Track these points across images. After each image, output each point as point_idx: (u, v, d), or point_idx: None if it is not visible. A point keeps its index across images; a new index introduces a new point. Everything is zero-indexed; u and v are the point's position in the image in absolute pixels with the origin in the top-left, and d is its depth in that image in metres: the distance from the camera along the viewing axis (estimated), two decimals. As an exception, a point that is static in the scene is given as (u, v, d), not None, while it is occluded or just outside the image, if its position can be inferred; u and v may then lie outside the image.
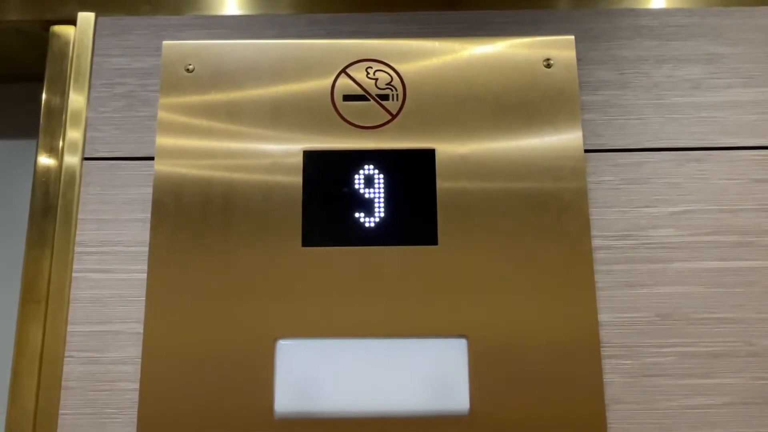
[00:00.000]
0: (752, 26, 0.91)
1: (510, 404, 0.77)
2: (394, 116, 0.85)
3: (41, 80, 0.91)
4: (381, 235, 0.81)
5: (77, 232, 0.84)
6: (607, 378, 0.79)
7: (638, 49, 0.91)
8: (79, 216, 0.84)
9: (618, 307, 0.81)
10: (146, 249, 0.82)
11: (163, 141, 0.85)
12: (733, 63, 0.90)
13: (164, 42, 0.89)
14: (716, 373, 0.80)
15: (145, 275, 0.81)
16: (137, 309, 0.81)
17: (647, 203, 0.85)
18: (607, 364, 0.80)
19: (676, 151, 0.86)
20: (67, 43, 0.91)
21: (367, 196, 0.83)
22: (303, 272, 0.81)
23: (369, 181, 0.83)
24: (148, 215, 0.83)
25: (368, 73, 0.87)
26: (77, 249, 0.83)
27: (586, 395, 0.78)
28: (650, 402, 0.79)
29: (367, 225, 0.82)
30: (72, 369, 0.80)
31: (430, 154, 0.84)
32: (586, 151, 0.86)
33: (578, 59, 0.89)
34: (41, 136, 0.88)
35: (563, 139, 0.85)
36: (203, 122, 0.85)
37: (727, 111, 0.88)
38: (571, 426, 0.77)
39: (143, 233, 0.83)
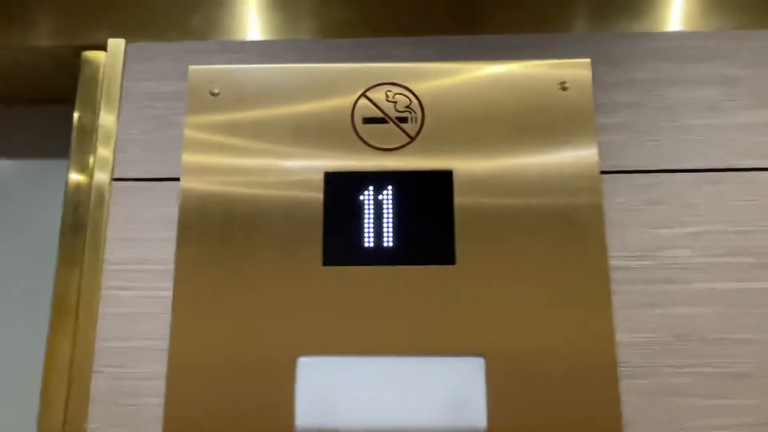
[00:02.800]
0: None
1: (527, 423, 0.78)
2: (412, 138, 0.87)
3: (73, 102, 0.94)
4: (400, 255, 0.83)
5: (106, 251, 0.87)
6: (624, 398, 0.80)
7: (654, 71, 0.92)
8: (108, 234, 0.87)
9: (635, 326, 0.82)
10: (171, 267, 0.84)
11: (189, 159, 0.87)
12: (748, 85, 0.90)
13: (190, 67, 0.92)
14: (733, 394, 0.80)
15: (170, 293, 0.84)
16: (163, 325, 0.83)
17: (663, 224, 0.85)
18: (624, 384, 0.80)
19: (692, 173, 0.87)
20: (97, 68, 0.95)
21: (386, 216, 0.84)
22: (323, 291, 0.82)
23: (388, 202, 0.85)
24: (174, 234, 0.85)
25: (387, 96, 0.89)
26: (106, 267, 0.86)
27: (603, 415, 0.78)
28: (667, 422, 0.79)
29: (386, 245, 0.84)
30: (100, 383, 0.82)
31: (447, 175, 0.86)
32: (603, 172, 0.87)
33: (595, 81, 0.90)
34: (72, 156, 0.92)
35: (579, 160, 0.86)
36: (227, 141, 0.88)
37: (742, 132, 0.89)
38: (587, 445, 0.77)
39: (169, 252, 0.85)
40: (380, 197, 0.85)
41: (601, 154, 0.87)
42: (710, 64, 0.92)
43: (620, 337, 0.82)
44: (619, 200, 0.87)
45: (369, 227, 0.84)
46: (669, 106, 0.90)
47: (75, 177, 0.91)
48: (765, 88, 0.90)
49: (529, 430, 0.78)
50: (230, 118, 0.89)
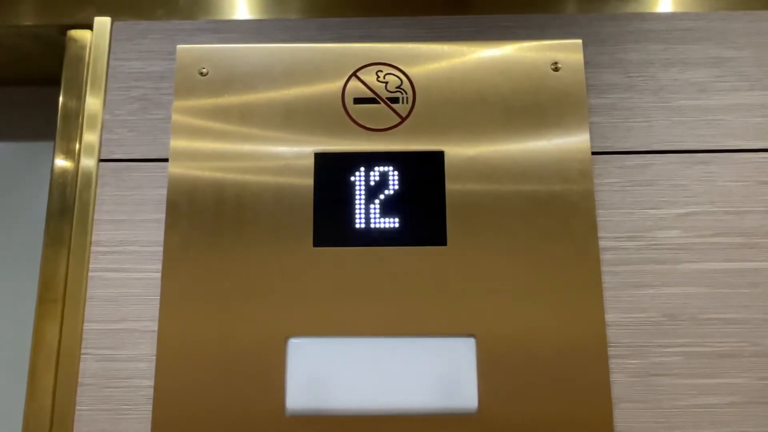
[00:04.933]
0: (758, 30, 0.92)
1: (518, 403, 0.78)
2: (403, 119, 0.87)
3: (58, 83, 0.93)
4: (391, 236, 0.83)
5: (93, 232, 0.86)
6: (614, 377, 0.80)
7: (645, 52, 0.92)
8: (95, 216, 0.86)
9: (625, 307, 0.82)
10: (161, 249, 0.83)
11: (177, 143, 0.86)
12: (739, 66, 0.91)
13: (178, 46, 0.91)
14: (722, 373, 0.80)
15: (159, 274, 0.83)
16: (152, 307, 0.82)
17: (654, 205, 0.86)
18: (614, 364, 0.81)
19: (682, 154, 0.87)
20: (83, 47, 0.93)
21: (377, 197, 0.84)
22: (314, 272, 0.82)
23: (379, 183, 0.84)
24: (163, 216, 0.85)
25: (378, 77, 0.88)
26: (93, 248, 0.85)
27: (593, 394, 0.79)
28: (656, 401, 0.80)
29: (377, 226, 0.83)
30: (88, 366, 0.81)
31: (439, 156, 0.85)
32: (593, 153, 0.87)
33: (585, 62, 0.90)
34: (58, 138, 0.90)
35: (570, 142, 0.86)
36: (216, 125, 0.87)
37: (733, 114, 0.89)
38: (577, 424, 0.78)
39: (158, 233, 0.85)
40: (371, 178, 0.85)
41: (591, 135, 0.87)
42: (700, 46, 0.92)
43: (610, 317, 0.82)
44: (610, 181, 0.87)
45: (360, 208, 0.84)
46: (659, 87, 0.90)
47: (61, 157, 0.89)
48: (755, 69, 0.90)
49: (520, 409, 0.78)
50: (219, 100, 0.88)
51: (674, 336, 0.81)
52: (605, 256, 0.84)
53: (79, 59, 0.93)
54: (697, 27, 0.92)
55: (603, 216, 0.85)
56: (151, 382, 0.80)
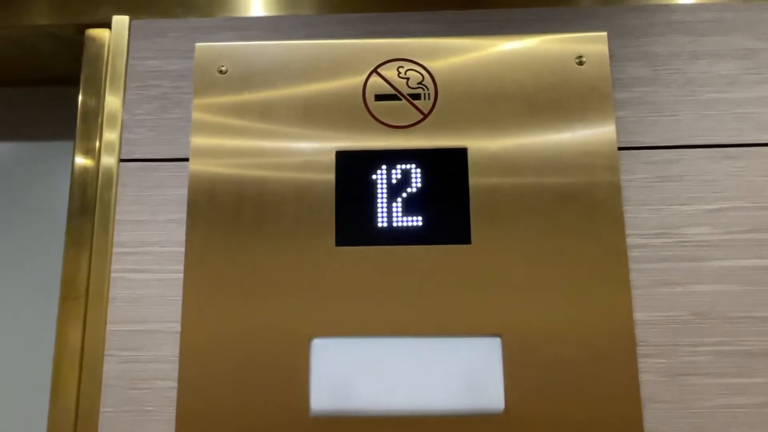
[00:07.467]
0: (788, 20, 0.90)
1: (545, 403, 0.77)
2: (426, 115, 0.86)
3: (76, 83, 0.92)
4: (414, 235, 0.82)
5: (115, 233, 0.85)
6: (643, 377, 0.79)
7: (671, 45, 0.90)
8: (117, 217, 0.86)
9: (653, 305, 0.81)
10: (182, 249, 0.83)
11: (198, 142, 0.86)
12: (768, 58, 0.89)
13: (197, 44, 0.90)
14: (753, 373, 0.79)
15: (181, 275, 0.82)
16: (174, 308, 0.82)
17: (682, 201, 0.84)
18: (643, 363, 0.79)
19: (711, 148, 0.85)
20: (102, 47, 0.93)
21: (399, 195, 0.83)
22: (337, 271, 0.81)
23: (402, 181, 0.83)
24: (184, 215, 0.84)
25: (400, 73, 0.87)
26: (115, 249, 0.85)
27: (622, 394, 0.77)
28: (686, 401, 0.78)
29: (400, 224, 0.82)
30: (111, 367, 0.81)
31: (462, 152, 0.84)
32: (620, 148, 0.85)
33: (610, 56, 0.88)
34: (78, 138, 0.90)
35: (596, 137, 0.84)
36: (236, 122, 0.86)
37: (763, 107, 0.87)
38: (606, 425, 0.76)
39: (179, 233, 0.84)
40: (393, 175, 0.83)
41: (617, 130, 0.85)
42: (728, 37, 0.90)
43: (638, 315, 0.81)
44: (637, 177, 0.85)
45: (382, 206, 0.83)
46: (687, 80, 0.88)
47: (81, 158, 0.89)
48: (785, 60, 0.88)
49: (547, 410, 0.77)
50: (239, 98, 0.87)
51: (704, 335, 0.80)
52: (633, 254, 0.82)
53: (98, 58, 0.92)
54: (724, 18, 0.90)
55: (630, 212, 0.84)
56: (174, 384, 0.80)
